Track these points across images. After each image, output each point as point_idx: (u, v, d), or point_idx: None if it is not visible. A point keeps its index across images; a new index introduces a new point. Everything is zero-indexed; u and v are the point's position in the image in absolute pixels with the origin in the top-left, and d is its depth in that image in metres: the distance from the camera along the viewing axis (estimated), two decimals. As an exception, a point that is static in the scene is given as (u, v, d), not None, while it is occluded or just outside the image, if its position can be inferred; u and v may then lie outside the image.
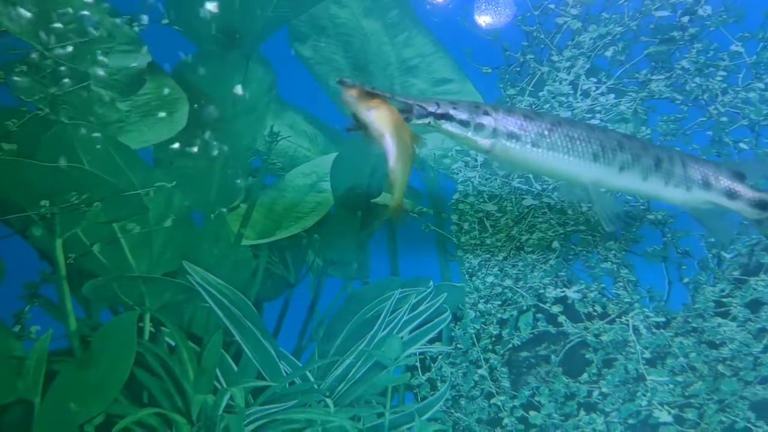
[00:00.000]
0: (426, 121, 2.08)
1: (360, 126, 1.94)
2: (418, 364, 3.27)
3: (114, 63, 2.92)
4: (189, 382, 3.08)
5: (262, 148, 3.17)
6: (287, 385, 3.14)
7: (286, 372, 3.16)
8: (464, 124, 2.10)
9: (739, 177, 2.33)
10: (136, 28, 2.93)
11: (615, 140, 2.25)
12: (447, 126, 2.10)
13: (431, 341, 3.26)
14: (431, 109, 2.07)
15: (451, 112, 2.10)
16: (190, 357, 3.09)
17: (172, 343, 3.11)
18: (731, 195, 2.31)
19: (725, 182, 2.31)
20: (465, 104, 2.14)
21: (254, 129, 3.14)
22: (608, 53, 3.11)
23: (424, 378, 3.27)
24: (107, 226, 2.96)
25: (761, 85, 3.01)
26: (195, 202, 3.12)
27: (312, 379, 3.18)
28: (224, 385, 3.11)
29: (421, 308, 3.24)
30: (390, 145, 1.88)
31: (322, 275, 3.28)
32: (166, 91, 3.04)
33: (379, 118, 1.91)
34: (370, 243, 3.28)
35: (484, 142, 2.14)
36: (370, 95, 1.91)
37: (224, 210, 3.14)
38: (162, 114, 3.05)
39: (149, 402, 3.03)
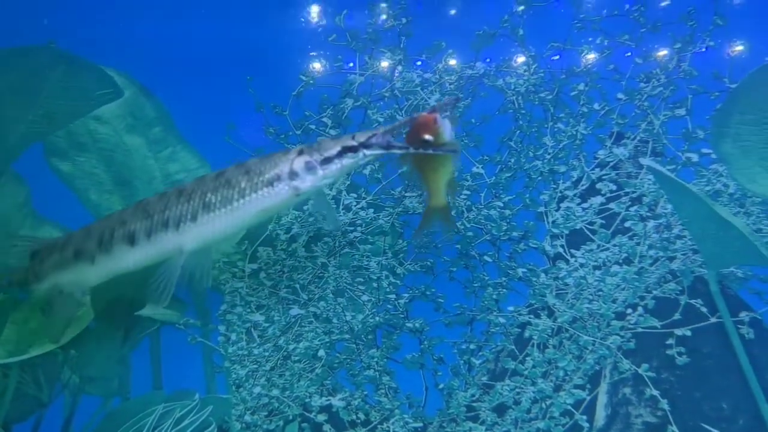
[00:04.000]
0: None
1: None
2: (180, 481, 3.20)
3: None
4: None
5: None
6: None
7: (33, 499, 3.00)
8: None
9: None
10: None
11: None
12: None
13: (195, 456, 3.21)
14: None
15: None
16: None
17: None
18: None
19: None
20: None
21: (7, 245, 3.06)
22: (366, 171, 3.31)
23: (186, 496, 3.20)
24: None
25: (500, 204, 3.30)
26: (-64, 321, 2.97)
27: (63, 505, 3.03)
28: None
29: (186, 422, 3.20)
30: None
31: (78, 393, 3.18)
32: None
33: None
34: (132, 356, 3.23)
35: None
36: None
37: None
38: None
39: None
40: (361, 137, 2.23)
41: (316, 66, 3.25)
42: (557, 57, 3.25)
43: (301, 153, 2.30)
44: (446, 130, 2.18)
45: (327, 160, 2.26)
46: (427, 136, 2.14)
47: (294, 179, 2.28)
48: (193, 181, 2.40)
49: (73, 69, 3.06)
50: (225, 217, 2.31)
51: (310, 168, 2.27)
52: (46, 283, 2.62)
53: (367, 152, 2.23)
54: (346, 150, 2.24)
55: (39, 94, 3.03)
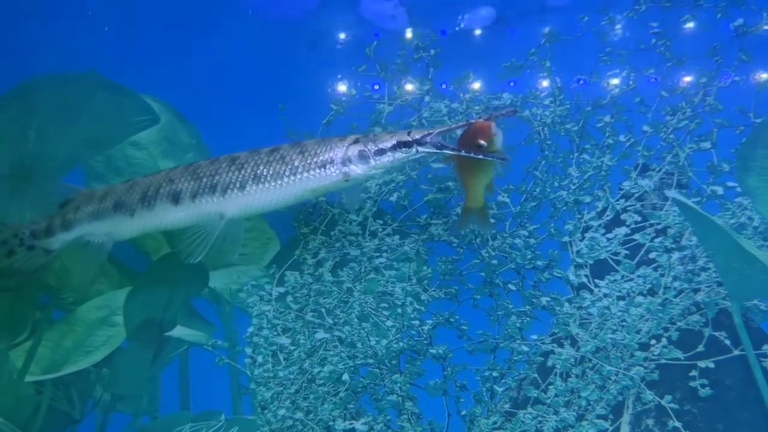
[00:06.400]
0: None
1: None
2: (205, 501, 3.25)
3: None
4: None
5: (52, 282, 3.18)
6: None
7: None
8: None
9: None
10: None
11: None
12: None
13: (220, 476, 3.26)
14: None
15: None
16: (-44, 503, 2.96)
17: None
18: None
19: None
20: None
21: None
22: (393, 198, 3.38)
23: None
24: None
25: (525, 233, 3.34)
26: (-25, 338, 3.07)
27: None
28: None
29: (212, 443, 3.26)
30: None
31: (108, 411, 3.25)
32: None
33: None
34: (161, 376, 3.30)
35: None
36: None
37: (5, 346, 3.10)
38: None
39: None
40: (417, 134, 2.32)
41: (346, 94, 3.33)
42: (581, 82, 3.29)
43: (356, 141, 2.38)
44: (499, 138, 2.28)
45: (380, 152, 2.34)
46: (482, 142, 2.25)
47: (346, 165, 2.36)
48: (247, 152, 2.45)
49: (113, 96, 3.17)
50: (273, 191, 2.38)
51: (363, 157, 2.35)
52: (75, 232, 2.60)
53: (420, 149, 2.32)
54: (400, 144, 2.33)
55: (79, 119, 3.14)
